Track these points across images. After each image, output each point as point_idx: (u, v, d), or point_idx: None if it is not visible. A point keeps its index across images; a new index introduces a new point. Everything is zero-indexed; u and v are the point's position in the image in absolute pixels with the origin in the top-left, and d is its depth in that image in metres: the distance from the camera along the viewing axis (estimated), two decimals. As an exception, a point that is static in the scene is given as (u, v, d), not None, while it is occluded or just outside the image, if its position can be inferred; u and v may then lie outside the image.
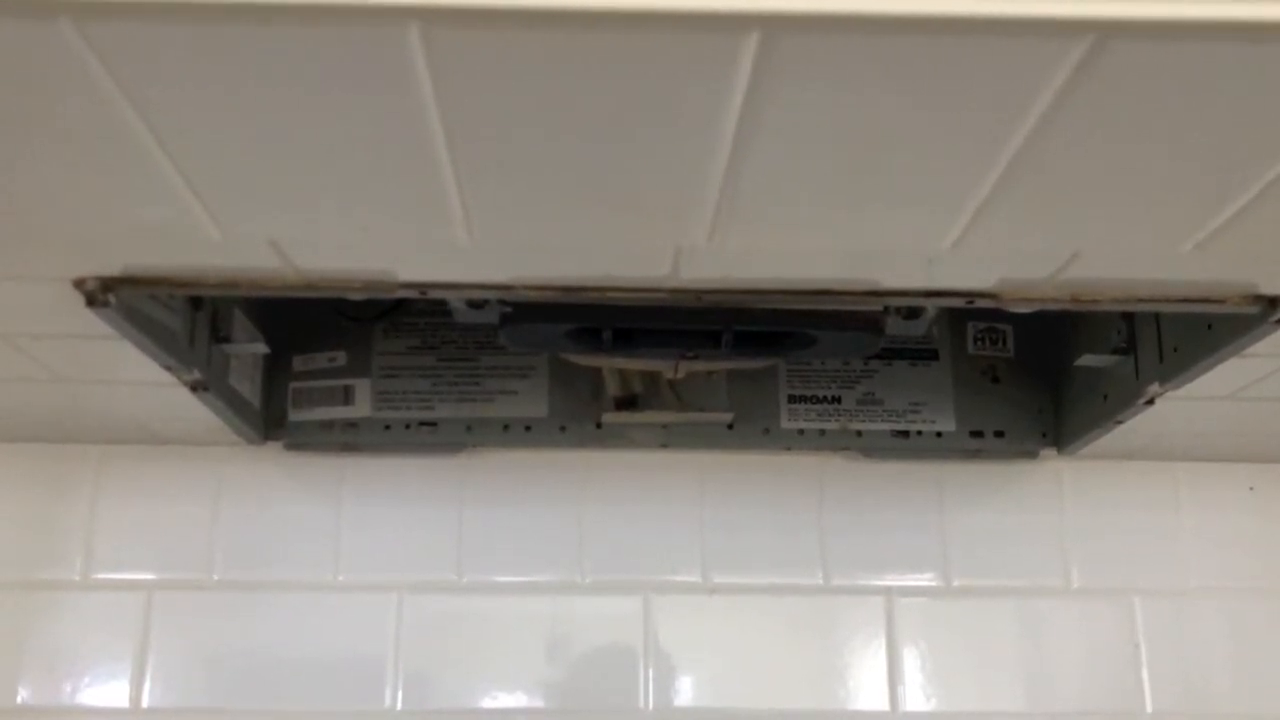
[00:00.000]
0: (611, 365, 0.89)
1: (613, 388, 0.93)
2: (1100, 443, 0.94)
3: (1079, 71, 0.40)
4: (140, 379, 0.78)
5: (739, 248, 0.58)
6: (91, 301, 0.63)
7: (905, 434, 0.98)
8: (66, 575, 0.97)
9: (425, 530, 0.99)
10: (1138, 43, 0.39)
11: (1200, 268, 0.60)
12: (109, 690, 0.95)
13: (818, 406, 0.97)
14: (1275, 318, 0.66)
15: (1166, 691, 0.98)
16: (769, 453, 1.00)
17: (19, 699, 0.94)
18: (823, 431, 0.97)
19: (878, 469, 1.01)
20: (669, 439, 0.98)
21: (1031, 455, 1.01)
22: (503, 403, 0.96)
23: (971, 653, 0.99)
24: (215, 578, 0.98)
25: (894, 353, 0.98)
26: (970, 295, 0.66)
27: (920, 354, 0.99)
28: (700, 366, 0.85)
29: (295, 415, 0.97)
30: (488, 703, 0.96)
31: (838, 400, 0.98)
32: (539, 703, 0.96)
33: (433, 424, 0.96)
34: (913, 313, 0.74)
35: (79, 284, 0.63)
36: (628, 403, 0.93)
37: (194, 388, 0.80)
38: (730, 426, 0.97)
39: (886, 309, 0.72)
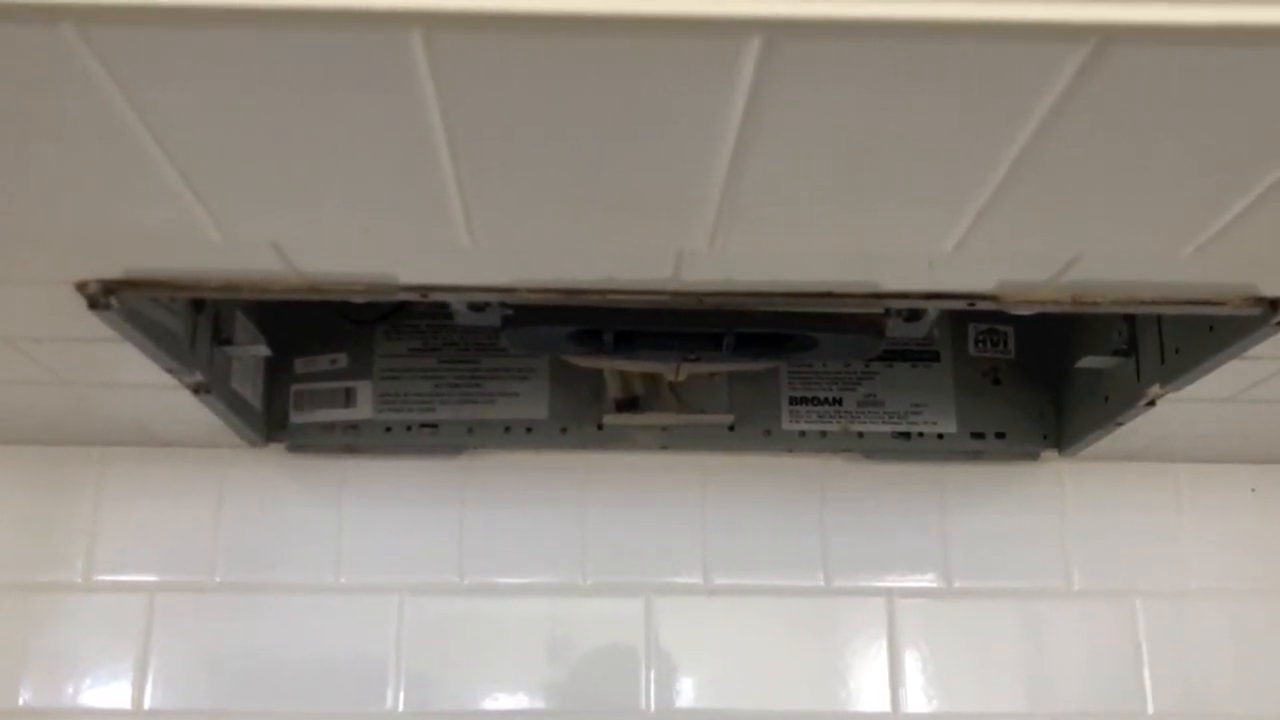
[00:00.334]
0: (613, 367, 0.89)
1: (614, 389, 0.93)
2: (1101, 444, 0.94)
3: (1080, 75, 0.40)
4: (142, 381, 0.79)
5: (740, 250, 0.58)
6: (93, 304, 0.63)
7: (906, 435, 0.98)
8: (68, 577, 0.97)
9: (426, 532, 0.99)
10: (1139, 46, 0.39)
11: (1201, 270, 0.60)
12: (111, 692, 0.95)
13: (819, 408, 0.97)
14: (1276, 320, 0.66)
15: (1168, 693, 0.98)
16: (770, 454, 1.00)
17: (21, 701, 0.94)
18: (824, 433, 0.97)
19: (879, 470, 1.01)
20: (670, 441, 0.98)
21: (1033, 457, 1.01)
22: (504, 404, 0.96)
23: (973, 654, 0.99)
24: (217, 579, 0.98)
25: (895, 354, 0.98)
26: (971, 297, 0.66)
27: (921, 356, 0.99)
28: (701, 368, 0.85)
29: (297, 417, 0.97)
30: (489, 704, 0.96)
31: (839, 402, 0.98)
32: (540, 704, 0.96)
33: (434, 426, 0.96)
34: (914, 315, 0.74)
35: (81, 287, 0.63)
36: (629, 404, 0.93)
37: (196, 390, 0.80)
38: (731, 428, 0.97)
39: (887, 311, 0.72)
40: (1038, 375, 0.99)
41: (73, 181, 0.50)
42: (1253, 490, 1.03)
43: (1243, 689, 0.99)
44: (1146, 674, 0.99)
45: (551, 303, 0.66)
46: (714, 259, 0.59)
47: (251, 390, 0.93)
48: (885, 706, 0.97)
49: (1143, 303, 0.66)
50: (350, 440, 0.97)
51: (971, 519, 1.01)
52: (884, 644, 0.99)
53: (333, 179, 0.50)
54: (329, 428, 0.96)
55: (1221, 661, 0.99)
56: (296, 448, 0.98)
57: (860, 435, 0.97)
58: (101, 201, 0.52)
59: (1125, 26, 0.37)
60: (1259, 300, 0.65)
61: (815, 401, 0.98)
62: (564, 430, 0.97)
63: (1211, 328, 0.72)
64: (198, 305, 0.78)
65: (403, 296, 0.65)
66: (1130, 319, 0.83)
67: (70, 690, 0.95)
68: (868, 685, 0.98)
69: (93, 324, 0.66)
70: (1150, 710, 0.98)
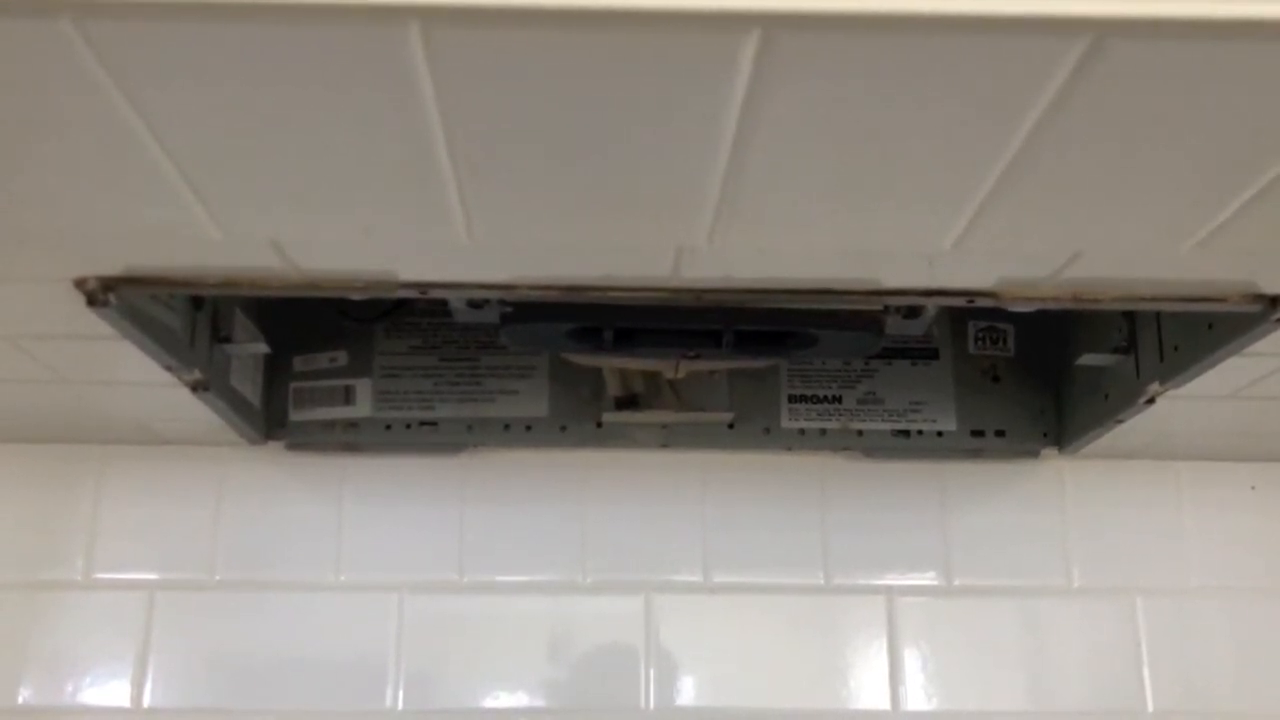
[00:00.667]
0: (612, 365, 0.89)
1: (613, 387, 0.93)
2: (1101, 442, 0.94)
3: (1079, 70, 0.40)
4: (141, 379, 0.79)
5: (740, 247, 0.58)
6: (92, 301, 0.63)
7: (906, 433, 0.98)
8: (68, 575, 0.97)
9: (426, 530, 0.99)
10: (1137, 41, 0.39)
11: (1201, 267, 0.60)
12: (110, 690, 0.95)
13: (818, 406, 0.97)
14: (1276, 316, 0.66)
15: (1168, 691, 0.98)
16: (770, 452, 1.00)
17: (20, 699, 0.94)
18: (824, 431, 0.97)
19: (879, 468, 1.01)
20: (670, 439, 0.98)
21: (1033, 455, 1.01)
22: (503, 402, 0.96)
23: (973, 652, 0.99)
24: (217, 578, 0.98)
25: (895, 352, 0.98)
26: (971, 294, 0.66)
27: (921, 353, 0.99)
28: (701, 366, 0.85)
29: (296, 415, 0.97)
30: (489, 702, 0.96)
31: (838, 400, 0.98)
32: (540, 702, 0.96)
33: (434, 424, 0.96)
34: (913, 312, 0.74)
35: (80, 284, 0.63)
36: (628, 402, 0.93)
37: (195, 388, 0.80)
38: (731, 426, 0.97)
39: (887, 308, 0.72)
40: (1037, 373, 0.99)
41: (71, 178, 0.50)
42: (1253, 488, 1.03)
43: (1243, 687, 0.99)
44: (1147, 672, 0.99)
45: (551, 300, 0.66)
46: (713, 256, 0.59)
47: (251, 388, 0.93)
48: (885, 705, 0.97)
49: (1142, 299, 0.66)
50: (350, 438, 0.97)
51: (971, 517, 1.01)
52: (884, 642, 0.99)
53: (332, 176, 0.50)
54: (328, 425, 0.96)
55: (1222, 659, 0.99)
56: (296, 445, 0.98)
57: (860, 433, 0.97)
58: (100, 198, 0.52)
59: (1123, 21, 0.37)
60: (1259, 297, 0.65)
61: (815, 399, 0.98)
62: (564, 428, 0.97)
63: (1211, 325, 0.72)
64: (197, 303, 0.78)
65: (402, 294, 0.65)
66: (1130, 316, 0.83)
67: (70, 688, 0.95)
68: (868, 683, 0.98)
69: (92, 321, 0.66)
70: (1150, 708, 0.98)
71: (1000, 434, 0.98)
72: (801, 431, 0.97)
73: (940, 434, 0.98)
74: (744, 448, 0.99)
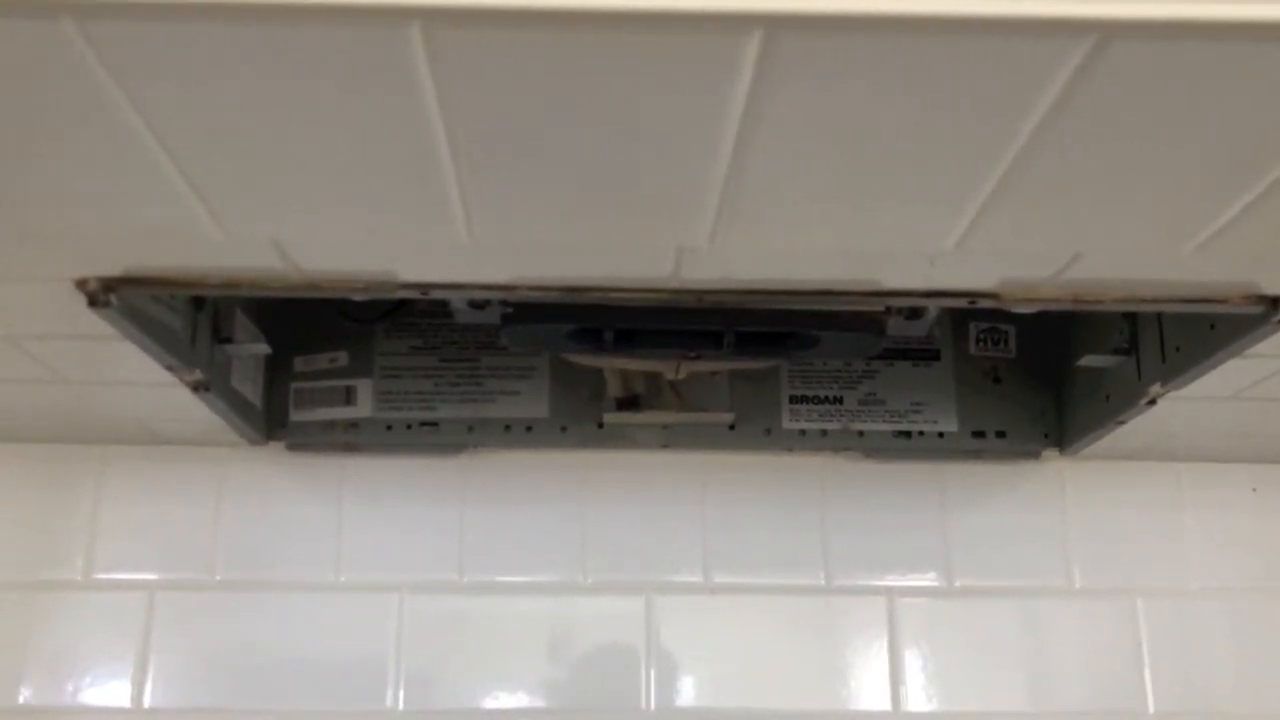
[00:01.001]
0: (613, 365, 0.89)
1: (614, 388, 0.93)
2: (1102, 443, 0.94)
3: (1081, 71, 0.40)
4: (142, 379, 0.79)
5: (741, 248, 0.57)
6: (93, 302, 0.63)
7: (907, 434, 0.97)
8: (68, 575, 0.97)
9: (427, 530, 0.99)
10: (1139, 43, 0.39)
11: (1202, 268, 0.60)
12: (111, 690, 0.95)
13: (819, 407, 0.97)
14: (1277, 318, 0.66)
15: (1169, 692, 0.98)
16: (770, 453, 1.00)
17: (21, 699, 0.94)
18: (824, 432, 0.97)
19: (879, 469, 1.01)
20: (670, 439, 0.98)
21: (1033, 455, 1.01)
22: (504, 403, 0.96)
23: (973, 653, 0.99)
24: (217, 578, 0.98)
25: (896, 353, 0.98)
26: (972, 295, 0.66)
27: (922, 354, 0.99)
28: (702, 367, 0.85)
29: (297, 415, 0.97)
30: (489, 703, 0.96)
31: (839, 400, 0.98)
32: (540, 703, 0.96)
33: (434, 424, 0.96)
34: (914, 313, 0.74)
35: (81, 284, 0.63)
36: (629, 403, 0.93)
37: (196, 388, 0.80)
38: (732, 427, 0.97)
39: (888, 309, 0.72)
40: (1038, 374, 0.99)
41: (72, 179, 0.50)
42: (1254, 489, 1.03)
43: (1244, 688, 0.99)
44: (1147, 673, 0.99)
45: (551, 300, 0.66)
46: (714, 256, 0.59)
47: (251, 388, 0.92)
48: (886, 705, 0.97)
49: (1144, 300, 0.66)
50: (350, 438, 0.97)
51: (972, 518, 1.01)
52: (884, 643, 0.99)
53: (333, 176, 0.50)
54: (329, 426, 0.96)
55: (1222, 660, 0.99)
56: (296, 446, 0.98)
57: (861, 434, 0.97)
58: (101, 198, 0.52)
59: (1126, 22, 0.37)
60: (1260, 298, 0.65)
61: (816, 400, 0.98)
62: (564, 429, 0.97)
63: (1212, 326, 0.72)
64: (198, 303, 0.78)
65: (403, 294, 0.65)
66: (1131, 317, 0.83)
67: (70, 688, 0.95)
68: (868, 684, 0.98)
69: (93, 321, 0.66)
70: (1151, 709, 0.98)
71: (1001, 435, 0.98)
72: (802, 432, 0.97)
73: (941, 435, 0.97)
74: (745, 448, 0.99)
